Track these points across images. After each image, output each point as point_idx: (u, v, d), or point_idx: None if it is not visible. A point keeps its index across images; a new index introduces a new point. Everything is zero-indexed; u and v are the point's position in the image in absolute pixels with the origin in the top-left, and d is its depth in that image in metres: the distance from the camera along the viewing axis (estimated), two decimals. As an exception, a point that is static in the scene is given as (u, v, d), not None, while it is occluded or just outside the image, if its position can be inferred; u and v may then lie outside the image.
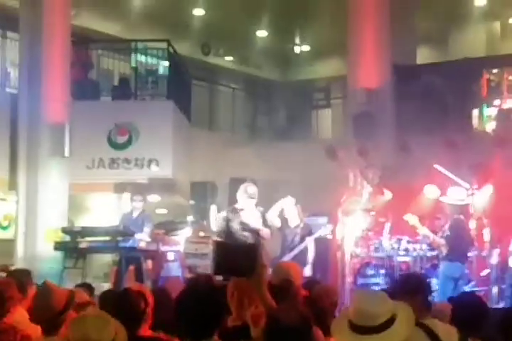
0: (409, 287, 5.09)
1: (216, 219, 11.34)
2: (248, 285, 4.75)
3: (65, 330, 4.02)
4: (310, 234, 11.92)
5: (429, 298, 5.52)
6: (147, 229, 12.94)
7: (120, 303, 5.39)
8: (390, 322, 3.72)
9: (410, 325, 3.84)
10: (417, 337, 4.75)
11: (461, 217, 11.51)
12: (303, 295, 5.67)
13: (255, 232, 10.75)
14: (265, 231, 10.84)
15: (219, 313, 4.41)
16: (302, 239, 11.88)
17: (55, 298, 5.12)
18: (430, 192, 13.70)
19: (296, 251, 11.73)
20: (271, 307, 4.62)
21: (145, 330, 5.29)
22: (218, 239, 10.85)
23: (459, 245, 11.34)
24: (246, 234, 10.73)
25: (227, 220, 10.86)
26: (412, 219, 11.72)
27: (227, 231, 10.83)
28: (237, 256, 4.57)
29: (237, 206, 10.99)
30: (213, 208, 14.97)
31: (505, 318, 5.11)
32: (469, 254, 12.00)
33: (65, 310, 5.11)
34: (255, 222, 10.82)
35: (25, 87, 16.03)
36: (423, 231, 11.56)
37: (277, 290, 4.97)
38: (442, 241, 11.17)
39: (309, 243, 11.84)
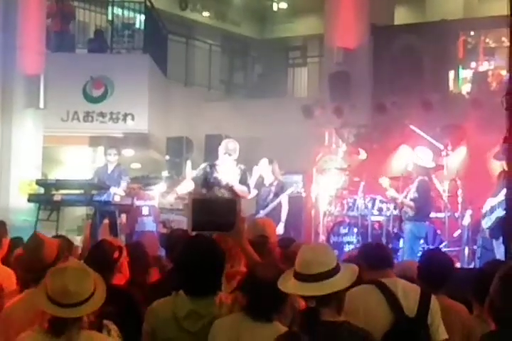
0: (373, 262, 5.13)
1: (197, 169, 11.25)
2: (227, 241, 4.77)
3: (44, 281, 4.00)
4: (283, 191, 11.89)
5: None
6: (123, 183, 12.90)
7: (93, 252, 5.45)
8: (331, 273, 3.76)
9: (351, 278, 3.85)
10: (370, 294, 4.86)
11: (426, 178, 11.55)
12: (278, 252, 5.70)
13: (229, 189, 10.73)
14: (239, 188, 10.78)
15: (222, 268, 4.46)
16: (275, 197, 11.86)
17: (46, 249, 5.10)
18: (405, 152, 13.82)
19: (269, 209, 11.71)
20: (254, 260, 4.66)
21: (118, 280, 5.31)
22: (194, 196, 10.83)
23: (425, 206, 11.42)
24: (222, 190, 10.72)
25: (206, 173, 10.83)
26: (385, 181, 11.78)
27: (205, 184, 10.82)
28: (215, 211, 4.57)
29: (216, 162, 10.96)
30: (188, 164, 14.97)
31: (477, 278, 5.15)
32: (441, 215, 12.11)
33: (56, 261, 5.11)
34: (230, 179, 10.78)
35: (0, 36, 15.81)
36: (392, 193, 11.63)
37: (253, 246, 4.99)
38: (411, 203, 11.25)
39: (283, 200, 11.83)
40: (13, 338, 4.24)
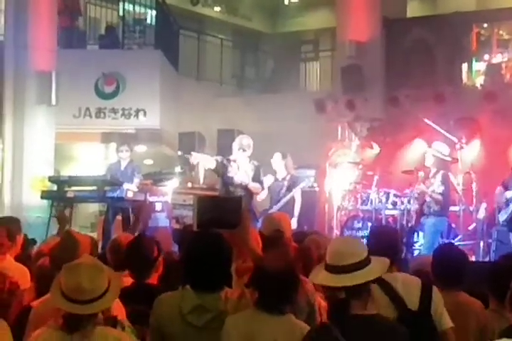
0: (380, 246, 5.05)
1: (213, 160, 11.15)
2: (237, 238, 4.74)
3: (58, 277, 3.98)
4: (295, 185, 11.84)
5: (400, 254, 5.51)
6: (136, 180, 12.88)
7: (133, 249, 5.37)
8: (362, 264, 3.77)
9: (382, 269, 3.89)
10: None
11: (447, 172, 11.50)
12: (293, 247, 5.67)
13: (243, 187, 10.67)
14: (253, 186, 10.72)
15: (229, 263, 4.44)
16: (288, 191, 11.81)
17: (81, 248, 5.12)
18: (418, 145, 13.75)
19: (282, 203, 11.67)
20: (259, 258, 4.63)
21: (154, 279, 5.28)
22: (200, 195, 10.76)
23: (448, 200, 11.37)
24: (237, 189, 10.65)
25: (223, 166, 10.76)
26: (421, 174, 11.64)
27: (220, 180, 10.79)
28: (220, 209, 4.56)
29: (230, 157, 10.89)
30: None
31: (493, 272, 5.10)
32: (455, 209, 12.03)
33: None
34: (244, 177, 10.71)
35: (11, 34, 15.79)
36: (422, 186, 11.49)
37: (268, 240, 5.01)
38: (440, 197, 11.17)
39: (296, 195, 11.78)
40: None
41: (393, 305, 4.60)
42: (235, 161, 10.77)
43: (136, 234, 6.81)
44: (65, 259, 4.97)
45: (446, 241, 11.55)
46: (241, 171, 10.67)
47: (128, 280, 5.24)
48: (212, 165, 10.86)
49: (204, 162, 11.60)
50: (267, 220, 5.69)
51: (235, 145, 10.81)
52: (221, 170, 10.76)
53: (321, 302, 4.92)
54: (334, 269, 3.76)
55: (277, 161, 11.95)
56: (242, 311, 4.21)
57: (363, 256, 3.81)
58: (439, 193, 11.14)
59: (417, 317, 4.61)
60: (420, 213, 11.63)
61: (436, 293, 4.81)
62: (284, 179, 11.89)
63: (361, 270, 3.75)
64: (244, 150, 10.73)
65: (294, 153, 12.87)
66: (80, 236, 5.35)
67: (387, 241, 5.12)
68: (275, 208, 11.50)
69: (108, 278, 3.94)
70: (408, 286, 4.77)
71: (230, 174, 10.69)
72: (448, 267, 5.30)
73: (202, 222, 4.56)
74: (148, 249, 5.31)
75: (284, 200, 11.66)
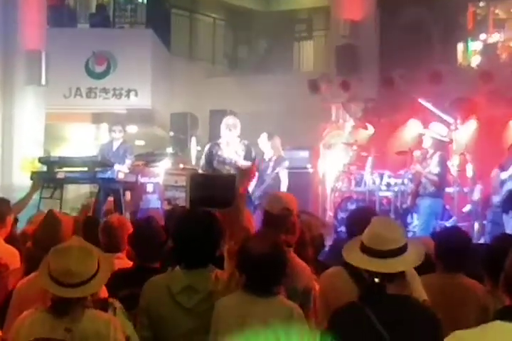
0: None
1: (203, 154, 11.07)
2: (230, 218, 4.68)
3: (47, 260, 3.94)
4: (280, 165, 11.74)
5: None
6: (128, 161, 12.75)
7: (141, 231, 5.33)
8: (400, 250, 3.76)
9: (419, 257, 3.87)
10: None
11: (444, 153, 11.41)
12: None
13: (234, 166, 10.55)
14: (243, 164, 10.59)
15: (218, 241, 4.39)
16: (274, 172, 11.72)
17: (63, 227, 5.11)
18: (413, 126, 13.63)
19: (266, 184, 11.57)
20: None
21: (158, 264, 5.24)
22: (193, 171, 10.66)
23: (444, 181, 11.28)
24: (227, 167, 10.54)
25: (210, 155, 10.67)
26: (417, 154, 11.53)
27: (210, 167, 10.66)
28: (213, 187, 4.50)
29: (218, 140, 10.78)
30: (193, 140, 14.78)
31: (488, 254, 5.04)
32: (450, 190, 11.94)
33: None
34: (235, 156, 10.60)
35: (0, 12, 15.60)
36: (418, 167, 11.38)
37: (277, 219, 4.98)
38: (435, 178, 11.06)
39: (282, 175, 11.67)
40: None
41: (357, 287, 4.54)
42: (223, 143, 10.66)
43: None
44: (47, 239, 4.94)
45: (441, 222, 11.49)
46: (231, 151, 10.54)
47: (120, 263, 5.19)
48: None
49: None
50: (274, 199, 5.50)
51: (222, 125, 10.74)
52: (209, 158, 10.68)
53: (315, 285, 4.88)
54: (375, 253, 3.74)
55: (263, 142, 11.91)
56: (232, 293, 4.18)
57: (402, 243, 3.79)
58: (435, 174, 11.03)
59: None
60: (416, 194, 11.53)
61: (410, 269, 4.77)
62: (270, 159, 11.81)
63: (399, 256, 3.74)
64: (230, 130, 10.61)
65: (288, 134, 12.76)
66: (62, 216, 5.31)
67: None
68: (260, 188, 11.41)
69: (98, 261, 3.90)
70: None
71: (219, 153, 10.59)
72: (453, 251, 5.28)
73: (195, 199, 4.50)
74: (157, 232, 5.28)
75: (268, 181, 11.57)
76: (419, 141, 11.81)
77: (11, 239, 6.57)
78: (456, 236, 5.49)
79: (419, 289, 4.71)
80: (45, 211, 5.83)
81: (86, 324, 3.81)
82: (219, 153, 10.59)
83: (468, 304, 5.05)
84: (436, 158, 11.18)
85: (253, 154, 10.70)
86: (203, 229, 4.27)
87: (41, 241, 5.10)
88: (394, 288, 3.72)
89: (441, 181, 11.12)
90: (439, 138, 11.35)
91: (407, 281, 3.90)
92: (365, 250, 3.77)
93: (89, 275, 3.80)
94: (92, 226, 5.97)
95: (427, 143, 11.36)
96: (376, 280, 3.68)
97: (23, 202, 8.38)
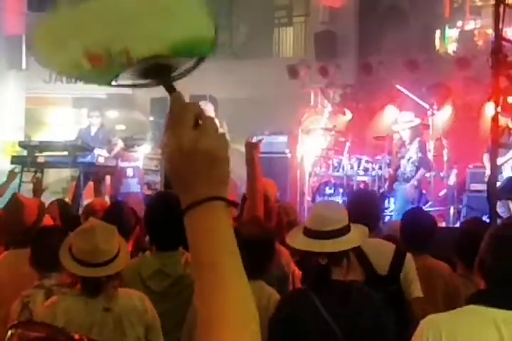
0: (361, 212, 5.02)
1: None
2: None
3: (67, 243, 3.92)
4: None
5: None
6: (121, 143, 12.83)
7: (111, 214, 5.33)
8: (343, 230, 3.76)
9: (363, 236, 3.90)
10: None
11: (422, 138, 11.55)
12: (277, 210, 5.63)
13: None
14: None
15: None
16: None
17: (26, 211, 5.09)
18: (391, 112, 13.76)
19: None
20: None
21: (129, 246, 5.24)
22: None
23: (427, 166, 11.47)
24: None
25: None
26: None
27: None
28: None
29: None
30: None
31: (459, 237, 5.14)
32: (427, 175, 12.07)
33: (37, 222, 5.06)
34: None
35: (-21, -3, 15.59)
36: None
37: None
38: (415, 167, 11.26)
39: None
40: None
41: (361, 269, 4.62)
42: None
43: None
44: (10, 222, 4.96)
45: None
46: None
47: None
48: None
49: None
50: None
51: None
52: None
53: (295, 270, 4.91)
54: (315, 234, 3.75)
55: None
56: None
57: (345, 223, 3.80)
58: (417, 160, 11.22)
59: (384, 282, 4.63)
60: (393, 179, 11.68)
61: (410, 261, 4.83)
62: None
63: (343, 236, 3.75)
64: None
65: (266, 119, 12.81)
66: (26, 200, 5.31)
67: (369, 208, 5.16)
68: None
69: (118, 238, 3.95)
70: (380, 251, 4.79)
71: None
72: (416, 231, 5.36)
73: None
74: (127, 215, 5.31)
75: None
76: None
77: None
78: (420, 218, 5.58)
79: (416, 286, 4.77)
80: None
81: (122, 301, 3.85)
82: None
83: (435, 283, 5.09)
84: (415, 145, 11.35)
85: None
86: (172, 212, 4.15)
87: (4, 225, 5.14)
88: (340, 271, 3.73)
89: (424, 166, 11.30)
90: (410, 126, 11.49)
91: (352, 264, 3.89)
92: (307, 232, 3.80)
93: (114, 253, 3.82)
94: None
95: (405, 135, 11.54)
96: (322, 262, 3.68)
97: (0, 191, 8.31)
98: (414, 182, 11.34)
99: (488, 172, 10.84)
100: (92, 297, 3.81)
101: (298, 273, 4.78)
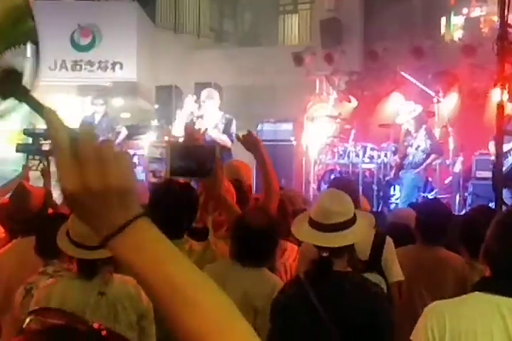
0: None
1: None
2: (211, 188, 4.67)
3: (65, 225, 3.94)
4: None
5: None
6: (125, 131, 12.83)
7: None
8: (348, 223, 3.74)
9: (367, 229, 3.90)
10: None
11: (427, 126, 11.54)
12: (254, 197, 5.55)
13: (214, 142, 10.52)
14: (219, 138, 10.48)
15: (193, 212, 4.39)
16: None
17: (32, 199, 5.10)
18: (396, 99, 13.73)
19: None
20: (231, 208, 4.59)
21: None
22: (173, 141, 10.64)
23: (437, 152, 11.48)
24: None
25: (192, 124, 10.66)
26: None
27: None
28: (193, 157, 4.48)
29: (201, 113, 10.74)
30: (178, 112, 14.82)
31: (464, 224, 5.11)
32: (433, 162, 12.05)
33: (43, 210, 5.06)
34: (213, 130, 10.54)
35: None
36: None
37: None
38: (424, 156, 11.30)
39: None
40: (3, 287, 4.21)
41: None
42: (201, 117, 10.64)
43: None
44: (16, 210, 4.97)
45: (423, 194, 11.61)
46: (209, 125, 10.51)
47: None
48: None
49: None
50: (226, 169, 5.41)
51: (201, 98, 10.76)
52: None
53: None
54: (321, 227, 3.74)
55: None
56: (215, 262, 4.21)
57: (351, 215, 3.78)
58: (428, 148, 11.22)
59: (366, 267, 4.62)
60: (400, 167, 11.68)
61: (389, 244, 4.82)
62: None
63: (348, 229, 3.73)
64: (204, 102, 10.62)
65: (272, 107, 12.78)
66: (32, 188, 5.32)
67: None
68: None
69: None
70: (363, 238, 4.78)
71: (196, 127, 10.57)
72: (432, 224, 5.31)
73: (174, 169, 4.48)
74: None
75: None
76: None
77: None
78: (436, 210, 5.52)
79: (394, 270, 4.79)
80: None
81: (117, 287, 3.86)
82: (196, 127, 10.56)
83: (446, 276, 5.09)
84: (422, 132, 11.33)
85: (232, 128, 10.65)
86: (177, 200, 4.25)
87: (10, 213, 5.14)
88: (341, 263, 3.72)
89: (434, 152, 11.31)
90: (413, 116, 11.47)
91: (356, 257, 3.88)
92: (312, 224, 3.78)
93: None
94: None
95: (411, 125, 11.52)
96: (324, 254, 3.67)
97: (8, 187, 8.30)
98: (424, 166, 11.35)
99: (494, 159, 10.85)
100: (87, 280, 3.85)
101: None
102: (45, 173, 7.77)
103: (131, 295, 3.88)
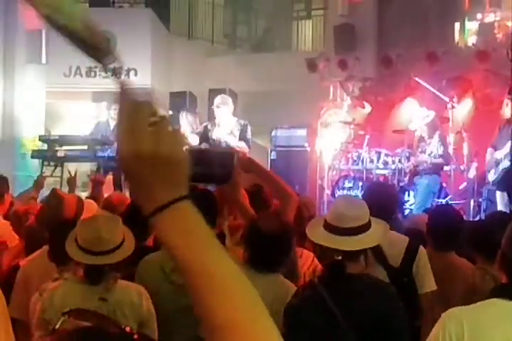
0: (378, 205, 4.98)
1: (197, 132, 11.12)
2: (227, 194, 4.69)
3: (74, 232, 4.01)
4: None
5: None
6: None
7: (132, 208, 5.33)
8: (363, 228, 3.76)
9: (382, 235, 3.88)
10: None
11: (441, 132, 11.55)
12: (275, 203, 5.59)
13: (228, 147, 10.52)
14: (237, 144, 10.48)
15: (213, 218, 4.42)
16: None
17: (66, 206, 5.18)
18: (410, 105, 13.72)
19: None
20: (248, 214, 4.60)
21: (149, 242, 5.19)
22: (191, 146, 10.62)
23: (448, 159, 11.50)
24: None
25: (204, 135, 10.69)
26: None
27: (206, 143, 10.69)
28: (211, 163, 4.49)
29: (216, 120, 10.76)
30: (184, 116, 14.85)
31: (479, 230, 5.09)
32: (447, 168, 12.03)
33: (76, 217, 5.09)
34: (228, 136, 10.56)
35: (-1, -9, 15.61)
36: (422, 158, 11.57)
37: (248, 195, 4.97)
38: (440, 161, 11.26)
39: None
40: (32, 293, 4.24)
41: (374, 259, 4.62)
42: (217, 124, 10.65)
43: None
44: (50, 217, 5.00)
45: (438, 200, 11.59)
46: (223, 131, 10.53)
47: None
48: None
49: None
50: (244, 174, 5.55)
51: (214, 105, 10.80)
52: (205, 135, 10.69)
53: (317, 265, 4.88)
54: (335, 230, 3.75)
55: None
56: None
57: (366, 220, 3.80)
58: (440, 155, 11.22)
59: (397, 274, 4.62)
60: (414, 172, 11.67)
61: (422, 254, 4.80)
62: None
63: (363, 234, 3.74)
64: (218, 107, 10.64)
65: (286, 113, 12.77)
66: (65, 195, 5.35)
67: (385, 201, 5.13)
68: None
69: (123, 229, 4.03)
70: (394, 242, 4.77)
71: (212, 136, 10.60)
72: (444, 229, 5.29)
73: (193, 175, 4.48)
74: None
75: None
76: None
77: (9, 217, 6.56)
78: (448, 216, 5.48)
79: (426, 279, 4.74)
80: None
81: (119, 293, 3.91)
82: (213, 136, 10.58)
83: (457, 282, 5.01)
84: (436, 139, 11.34)
85: (248, 134, 10.67)
86: (197, 206, 4.25)
87: (44, 218, 5.18)
88: (355, 267, 3.72)
89: (445, 160, 11.32)
90: (426, 122, 11.47)
91: (369, 260, 3.87)
92: (327, 227, 3.78)
93: (118, 242, 3.90)
94: None
95: (424, 131, 11.53)
96: (337, 257, 3.68)
97: (26, 196, 8.31)
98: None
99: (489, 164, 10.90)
100: (91, 285, 3.89)
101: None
102: (71, 182, 7.82)
103: (133, 302, 3.92)
